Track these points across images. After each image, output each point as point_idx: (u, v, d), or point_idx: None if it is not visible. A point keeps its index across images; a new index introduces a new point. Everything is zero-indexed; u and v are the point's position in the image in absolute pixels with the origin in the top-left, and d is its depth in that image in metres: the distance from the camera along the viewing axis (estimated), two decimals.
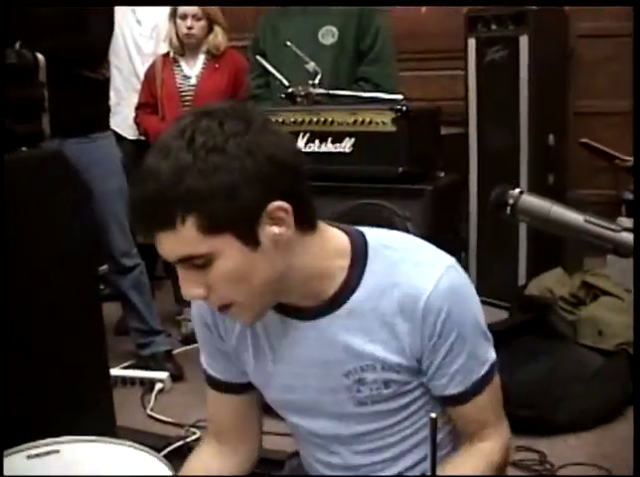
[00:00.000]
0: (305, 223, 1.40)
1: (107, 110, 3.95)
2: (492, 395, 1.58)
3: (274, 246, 1.35)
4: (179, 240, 1.30)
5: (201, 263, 1.33)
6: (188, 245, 1.30)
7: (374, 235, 1.52)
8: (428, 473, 1.03)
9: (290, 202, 1.34)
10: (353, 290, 1.47)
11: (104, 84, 3.95)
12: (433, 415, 0.93)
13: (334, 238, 1.50)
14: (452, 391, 1.52)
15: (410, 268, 1.45)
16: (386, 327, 1.46)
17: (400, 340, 1.46)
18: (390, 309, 1.45)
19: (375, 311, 1.46)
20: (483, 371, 1.54)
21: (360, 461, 1.63)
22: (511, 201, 1.36)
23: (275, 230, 1.34)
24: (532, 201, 1.36)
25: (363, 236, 1.51)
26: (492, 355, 1.57)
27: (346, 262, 1.48)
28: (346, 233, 1.52)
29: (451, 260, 1.49)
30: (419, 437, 1.58)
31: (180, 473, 1.72)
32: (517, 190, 1.37)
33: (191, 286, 1.37)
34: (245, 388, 1.69)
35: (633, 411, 2.38)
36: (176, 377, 3.93)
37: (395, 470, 1.62)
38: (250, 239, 1.33)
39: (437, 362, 1.48)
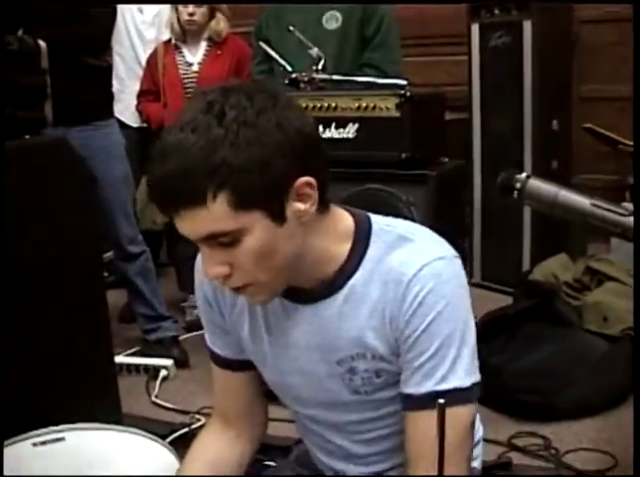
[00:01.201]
0: (324, 201, 1.40)
1: (111, 98, 3.94)
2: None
3: (298, 223, 1.35)
4: (208, 217, 1.27)
5: (228, 241, 1.31)
6: (217, 223, 1.28)
7: (379, 221, 1.50)
8: None
9: (315, 178, 1.34)
10: (351, 275, 1.45)
11: (108, 72, 3.94)
12: (441, 401, 0.92)
13: (343, 220, 1.48)
14: (407, 389, 1.43)
15: (403, 254, 1.41)
16: (376, 313, 1.43)
17: (387, 328, 1.42)
18: (380, 295, 1.42)
19: (368, 296, 1.43)
20: (440, 387, 1.38)
21: (358, 450, 1.61)
22: (518, 185, 1.35)
23: (301, 206, 1.34)
24: (539, 185, 1.35)
25: (368, 220, 1.49)
26: (460, 381, 1.39)
27: (349, 245, 1.46)
28: (352, 215, 1.50)
29: (448, 253, 1.44)
30: None
31: (185, 459, 1.71)
32: (524, 174, 1.36)
33: (215, 265, 1.35)
34: (247, 366, 1.67)
35: (633, 411, 2.38)
36: (182, 362, 3.94)
37: (396, 461, 1.60)
38: (278, 215, 1.32)
39: (403, 352, 1.42)
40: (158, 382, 3.76)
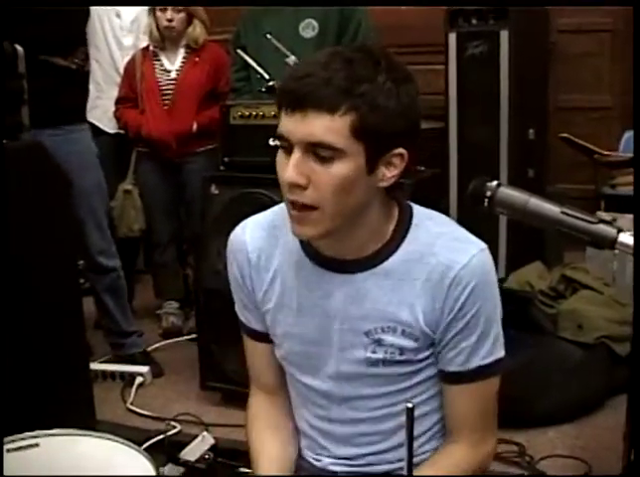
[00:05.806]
0: (397, 181, 1.53)
1: (84, 102, 3.86)
2: (487, 393, 1.62)
3: (374, 183, 1.49)
4: (327, 126, 1.39)
5: (326, 156, 1.42)
6: (331, 135, 1.40)
7: (418, 208, 1.64)
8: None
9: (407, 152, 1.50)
10: (392, 252, 1.56)
11: (80, 75, 3.82)
12: (410, 405, 0.93)
13: (390, 202, 1.60)
14: (452, 368, 1.58)
15: (449, 242, 1.55)
16: (414, 291, 1.54)
17: (424, 306, 1.54)
18: (423, 275, 1.54)
19: (408, 275, 1.55)
20: (486, 361, 1.57)
21: (364, 429, 1.67)
22: (489, 193, 1.37)
23: (386, 172, 1.49)
24: (509, 193, 1.37)
25: (409, 205, 1.63)
26: (499, 352, 1.60)
27: (392, 226, 1.58)
28: (396, 199, 1.62)
29: (485, 245, 1.57)
30: (418, 412, 1.59)
31: (250, 438, 1.79)
32: (494, 182, 1.38)
33: (299, 172, 1.43)
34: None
35: (631, 415, 2.40)
36: (156, 374, 3.92)
37: (392, 442, 1.66)
38: (372, 163, 1.46)
39: (450, 335, 1.55)
40: (134, 388, 3.75)
